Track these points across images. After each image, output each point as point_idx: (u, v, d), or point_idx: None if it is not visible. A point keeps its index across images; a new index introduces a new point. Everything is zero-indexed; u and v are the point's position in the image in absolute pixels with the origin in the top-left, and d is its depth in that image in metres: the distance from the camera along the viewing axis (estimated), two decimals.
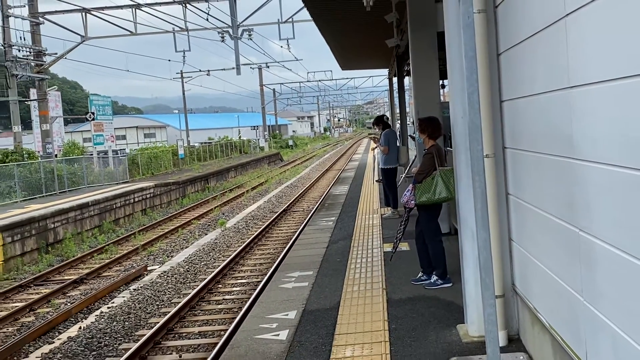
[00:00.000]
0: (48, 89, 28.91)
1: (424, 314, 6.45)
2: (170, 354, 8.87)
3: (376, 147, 13.59)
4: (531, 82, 4.36)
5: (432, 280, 7.46)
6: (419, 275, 7.73)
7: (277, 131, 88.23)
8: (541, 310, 4.62)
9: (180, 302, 10.97)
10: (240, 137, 67.63)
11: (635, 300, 2.95)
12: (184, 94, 57.74)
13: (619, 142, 2.98)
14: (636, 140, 2.79)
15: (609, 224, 3.21)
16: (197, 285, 12.17)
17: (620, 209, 3.05)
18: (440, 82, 14.56)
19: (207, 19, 28.02)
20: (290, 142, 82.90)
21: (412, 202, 7.42)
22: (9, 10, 26.54)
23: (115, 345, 9.41)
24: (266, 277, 11.69)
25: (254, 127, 75.74)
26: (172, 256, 16.33)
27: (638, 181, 2.80)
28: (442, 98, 14.55)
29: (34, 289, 14.15)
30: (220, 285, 12.42)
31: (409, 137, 20.91)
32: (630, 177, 2.88)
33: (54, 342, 9.78)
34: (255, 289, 11.25)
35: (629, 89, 2.81)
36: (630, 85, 2.79)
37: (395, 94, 27.65)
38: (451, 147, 6.18)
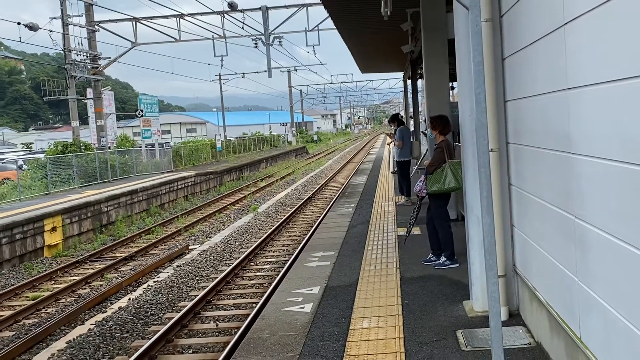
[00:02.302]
0: (102, 89, 29.13)
1: (434, 291, 6.43)
2: (208, 322, 8.94)
3: (391, 142, 13.55)
4: (532, 84, 4.32)
5: (441, 261, 7.44)
6: (429, 256, 7.71)
7: (304, 127, 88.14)
8: (539, 288, 4.59)
9: (217, 278, 11.04)
10: (270, 132, 67.67)
11: (625, 280, 2.93)
12: (221, 94, 57.92)
13: (612, 138, 2.95)
14: (627, 136, 2.76)
15: (602, 211, 3.18)
16: (232, 263, 12.24)
17: (612, 199, 3.02)
18: (450, 84, 14.46)
19: (243, 27, 28.03)
20: (315, 137, 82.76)
21: (424, 191, 7.40)
22: (68, 19, 26.77)
23: (160, 315, 9.50)
24: (293, 257, 11.72)
25: (283, 123, 75.80)
26: (210, 237, 16.43)
27: (628, 173, 2.77)
28: (451, 98, 14.44)
29: (89, 265, 14.32)
30: (252, 263, 12.47)
31: (421, 134, 20.77)
32: (621, 170, 2.85)
33: (106, 312, 9.88)
34: (283, 267, 11.28)
35: (622, 90, 2.78)
36: (623, 87, 2.76)
37: (410, 95, 27.47)
38: (459, 142, 6.14)
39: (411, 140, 13.26)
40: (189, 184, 27.02)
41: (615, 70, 2.85)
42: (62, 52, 27.37)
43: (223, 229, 17.43)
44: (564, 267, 3.86)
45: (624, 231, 2.89)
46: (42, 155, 29.73)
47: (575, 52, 3.39)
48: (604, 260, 3.19)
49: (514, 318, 5.28)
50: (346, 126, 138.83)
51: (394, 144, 13.06)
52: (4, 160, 36.29)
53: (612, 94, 2.90)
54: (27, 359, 8.14)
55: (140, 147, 32.66)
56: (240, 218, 19.22)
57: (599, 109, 3.12)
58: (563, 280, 3.88)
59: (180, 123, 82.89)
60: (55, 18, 26.96)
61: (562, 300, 4.00)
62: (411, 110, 26.35)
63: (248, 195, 25.88)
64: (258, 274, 11.63)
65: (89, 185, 23.70)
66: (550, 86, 3.88)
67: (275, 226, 15.81)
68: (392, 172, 19.37)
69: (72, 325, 9.56)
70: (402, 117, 14.05)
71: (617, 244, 2.96)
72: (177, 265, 12.69)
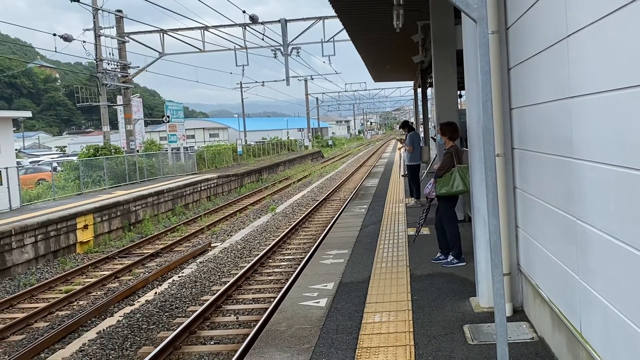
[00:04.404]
0: (131, 96, 29.29)
1: (442, 288, 6.42)
2: (229, 315, 8.98)
3: (402, 147, 13.55)
4: (537, 92, 4.31)
5: (449, 260, 7.42)
6: (438, 255, 7.69)
7: (319, 133, 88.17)
8: (542, 286, 4.57)
9: (237, 274, 11.09)
10: (288, 137, 67.75)
11: (623, 278, 2.92)
12: (242, 101, 58.12)
13: (611, 144, 2.94)
14: (626, 142, 2.75)
15: (601, 214, 3.16)
16: (252, 260, 12.28)
17: (611, 201, 3.01)
18: (458, 92, 14.42)
19: (263, 39, 28.15)
20: (330, 142, 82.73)
21: (433, 193, 7.39)
22: (100, 31, 27.01)
23: (184, 308, 9.56)
24: (309, 254, 11.74)
25: (300, 129, 75.96)
26: (231, 235, 16.49)
27: (627, 177, 2.76)
28: (459, 106, 14.41)
29: (119, 260, 14.43)
30: (270, 260, 12.50)
31: (431, 139, 20.73)
32: (620, 174, 2.84)
33: (134, 304, 9.96)
34: (300, 264, 11.30)
35: (621, 99, 2.77)
36: (622, 95, 2.75)
37: (420, 102, 27.42)
38: (467, 148, 6.13)
39: (421, 145, 13.24)
40: (212, 185, 27.13)
41: (615, 79, 2.84)
42: (94, 61, 27.58)
43: (243, 228, 17.48)
44: (565, 266, 3.85)
45: (622, 232, 2.88)
46: (75, 158, 30.01)
47: (577, 63, 3.39)
48: (603, 259, 3.18)
49: (518, 314, 5.26)
50: (359, 132, 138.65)
51: (405, 149, 13.05)
52: (40, 162, 36.69)
53: (612, 103, 2.90)
54: (60, 348, 8.23)
55: (167, 150, 32.82)
56: (260, 218, 19.27)
57: (599, 117, 3.11)
58: (565, 278, 3.87)
59: (203, 128, 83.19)
60: (88, 30, 27.19)
61: (563, 297, 3.98)
62: (421, 117, 26.29)
63: (267, 196, 25.92)
64: (276, 270, 11.66)
65: (118, 186, 23.87)
66: (553, 95, 3.87)
67: (292, 225, 15.84)
68: (402, 176, 19.32)
69: (102, 317, 9.65)
70: (412, 123, 14.04)
71: (616, 244, 2.95)
72: (200, 262, 12.76)
